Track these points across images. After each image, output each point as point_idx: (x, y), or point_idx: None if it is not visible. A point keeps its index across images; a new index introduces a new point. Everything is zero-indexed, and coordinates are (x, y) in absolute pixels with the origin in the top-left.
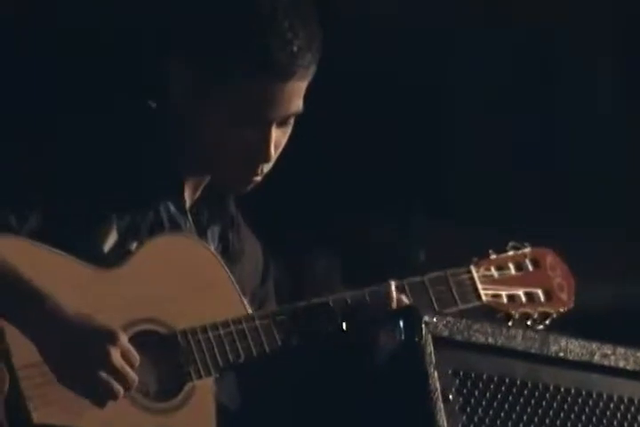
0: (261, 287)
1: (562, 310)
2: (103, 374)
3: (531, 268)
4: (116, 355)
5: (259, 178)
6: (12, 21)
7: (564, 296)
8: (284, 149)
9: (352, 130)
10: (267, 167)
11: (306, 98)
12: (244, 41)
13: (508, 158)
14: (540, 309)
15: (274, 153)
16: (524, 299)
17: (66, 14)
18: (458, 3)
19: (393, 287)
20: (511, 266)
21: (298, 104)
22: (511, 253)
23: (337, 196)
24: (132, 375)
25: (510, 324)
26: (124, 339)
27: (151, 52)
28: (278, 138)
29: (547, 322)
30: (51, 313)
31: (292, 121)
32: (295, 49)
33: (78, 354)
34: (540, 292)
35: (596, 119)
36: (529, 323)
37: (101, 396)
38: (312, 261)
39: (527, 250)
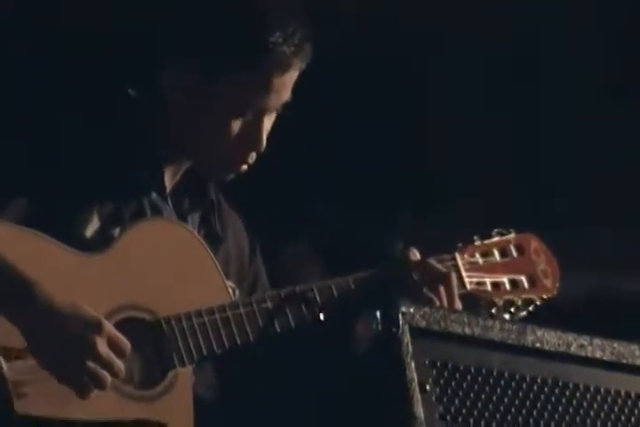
0: (250, 267)
1: (545, 296)
2: (89, 364)
3: (515, 254)
4: (101, 344)
5: (246, 166)
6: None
7: (547, 283)
8: (273, 142)
9: (340, 124)
10: (254, 157)
11: (300, 93)
12: (247, 33)
13: (507, 157)
14: (524, 295)
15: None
16: (508, 286)
17: (56, 15)
18: (457, 2)
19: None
20: (496, 252)
21: (289, 93)
22: (496, 238)
23: (321, 189)
24: (119, 364)
25: (494, 311)
26: (109, 327)
27: (142, 40)
28: (267, 126)
29: (530, 309)
30: (37, 303)
31: (279, 109)
32: (297, 41)
33: (64, 344)
34: (524, 278)
35: (595, 119)
36: (512, 310)
37: (87, 385)
38: (289, 253)
39: (511, 236)
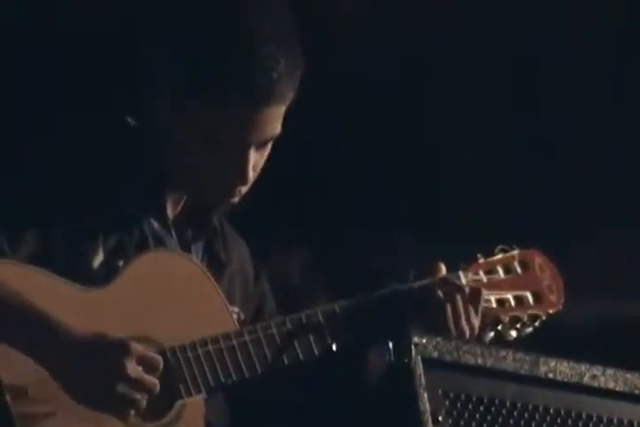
0: (255, 290)
1: (551, 311)
2: (120, 387)
3: (519, 270)
4: (130, 365)
5: (236, 199)
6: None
7: (553, 298)
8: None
9: (347, 139)
10: (244, 189)
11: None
12: (226, 67)
13: (506, 167)
14: (530, 311)
15: (251, 176)
16: (513, 303)
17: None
18: (458, 6)
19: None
20: (500, 269)
21: (276, 128)
22: (499, 256)
23: (321, 203)
24: (151, 381)
25: (499, 328)
26: (136, 347)
27: (135, 71)
28: (256, 161)
29: (536, 324)
30: (60, 337)
31: (270, 144)
32: (275, 75)
33: (93, 373)
34: (528, 294)
35: (595, 121)
36: (518, 326)
37: (123, 409)
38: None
39: (515, 252)
